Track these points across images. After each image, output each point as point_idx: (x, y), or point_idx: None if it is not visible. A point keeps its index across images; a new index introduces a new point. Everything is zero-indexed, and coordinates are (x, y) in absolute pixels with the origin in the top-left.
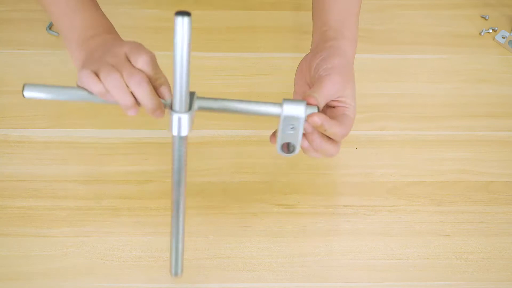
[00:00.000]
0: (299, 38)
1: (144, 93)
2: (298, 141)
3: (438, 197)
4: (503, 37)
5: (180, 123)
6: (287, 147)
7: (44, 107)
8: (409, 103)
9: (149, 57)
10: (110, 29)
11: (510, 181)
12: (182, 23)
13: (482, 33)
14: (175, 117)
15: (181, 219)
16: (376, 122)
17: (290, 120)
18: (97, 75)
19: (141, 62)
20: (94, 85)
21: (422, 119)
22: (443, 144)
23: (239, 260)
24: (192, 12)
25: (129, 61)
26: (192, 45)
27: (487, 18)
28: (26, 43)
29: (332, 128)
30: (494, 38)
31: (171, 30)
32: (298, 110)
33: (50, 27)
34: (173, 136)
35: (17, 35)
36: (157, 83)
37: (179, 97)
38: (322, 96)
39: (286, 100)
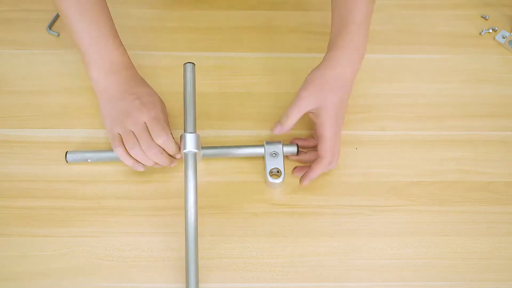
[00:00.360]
0: (299, 38)
1: (160, 160)
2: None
3: (438, 197)
4: (503, 37)
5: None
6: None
7: (44, 107)
8: (409, 103)
9: (166, 137)
10: (128, 65)
11: (510, 181)
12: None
13: (482, 33)
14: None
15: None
16: (376, 122)
17: (272, 153)
18: (123, 141)
19: (161, 141)
20: (126, 161)
21: (422, 119)
22: (443, 144)
23: (239, 260)
24: (192, 12)
25: (148, 130)
26: (193, 45)
27: (487, 18)
28: (26, 43)
29: (315, 174)
30: (494, 38)
31: (171, 30)
32: (277, 148)
33: (50, 26)
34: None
35: (17, 35)
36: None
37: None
38: (293, 114)
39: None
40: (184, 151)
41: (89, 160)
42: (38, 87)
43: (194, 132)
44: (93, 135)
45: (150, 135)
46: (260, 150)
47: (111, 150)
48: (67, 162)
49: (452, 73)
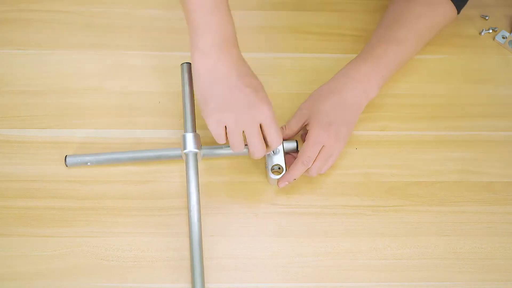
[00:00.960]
0: (299, 38)
1: (257, 154)
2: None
3: (438, 197)
4: (503, 37)
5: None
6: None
7: (44, 107)
8: (409, 103)
9: (280, 139)
10: (236, 43)
11: (510, 181)
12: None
13: (482, 33)
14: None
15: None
16: (376, 122)
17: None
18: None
19: (274, 147)
20: (220, 140)
21: (422, 119)
22: (443, 144)
23: (239, 260)
24: None
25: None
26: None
27: (487, 18)
28: (26, 43)
29: (290, 176)
30: (494, 38)
31: (171, 30)
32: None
33: None
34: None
35: (17, 35)
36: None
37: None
38: (292, 123)
39: None
40: (185, 151)
41: (88, 164)
42: (38, 87)
43: (194, 131)
44: (93, 135)
45: (261, 136)
46: None
47: (110, 152)
48: (66, 166)
49: (452, 73)
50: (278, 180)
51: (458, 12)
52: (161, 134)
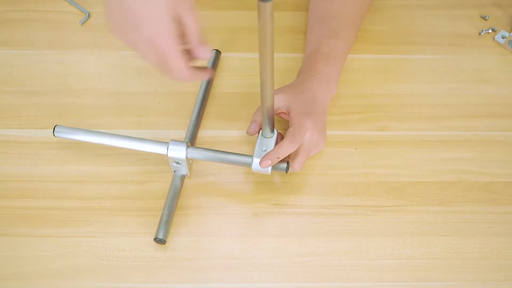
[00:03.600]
0: (299, 38)
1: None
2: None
3: (438, 197)
4: (503, 37)
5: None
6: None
7: (44, 107)
8: (409, 103)
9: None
10: None
11: (510, 181)
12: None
13: (482, 33)
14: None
15: None
16: (376, 122)
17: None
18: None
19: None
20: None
21: (422, 119)
22: (443, 144)
23: (239, 260)
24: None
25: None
26: None
27: (487, 18)
28: (26, 43)
29: (282, 153)
30: (494, 38)
31: None
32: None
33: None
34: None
35: (17, 35)
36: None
37: None
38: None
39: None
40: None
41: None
42: (38, 87)
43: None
44: None
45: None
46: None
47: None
48: (54, 135)
49: (452, 73)
50: (262, 158)
51: None
52: (161, 134)
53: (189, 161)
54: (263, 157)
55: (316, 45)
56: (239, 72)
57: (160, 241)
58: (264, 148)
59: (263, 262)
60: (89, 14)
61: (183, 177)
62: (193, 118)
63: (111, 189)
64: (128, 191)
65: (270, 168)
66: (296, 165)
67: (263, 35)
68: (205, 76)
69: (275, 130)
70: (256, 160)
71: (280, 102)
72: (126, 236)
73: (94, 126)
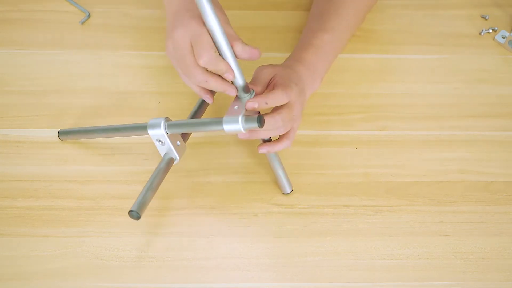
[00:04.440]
0: (299, 38)
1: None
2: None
3: (438, 197)
4: (503, 37)
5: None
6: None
7: (44, 107)
8: (410, 103)
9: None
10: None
11: (510, 181)
12: None
13: (482, 33)
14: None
15: None
16: (376, 122)
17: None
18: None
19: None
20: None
21: (422, 119)
22: (443, 144)
23: (239, 260)
24: None
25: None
26: None
27: (487, 18)
28: (26, 43)
29: (271, 99)
30: (494, 38)
31: None
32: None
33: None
34: None
35: (17, 35)
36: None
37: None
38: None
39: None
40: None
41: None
42: (38, 87)
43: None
44: None
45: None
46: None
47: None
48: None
49: (452, 73)
50: (249, 99)
51: None
52: None
53: (176, 142)
54: (251, 98)
55: (309, 36)
56: None
57: (134, 214)
58: (236, 106)
59: (263, 262)
60: (89, 14)
61: (170, 160)
62: (190, 116)
63: (111, 189)
64: (128, 191)
65: (242, 123)
66: (291, 133)
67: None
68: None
69: (252, 91)
70: (226, 119)
71: (267, 73)
72: (126, 236)
73: (94, 126)
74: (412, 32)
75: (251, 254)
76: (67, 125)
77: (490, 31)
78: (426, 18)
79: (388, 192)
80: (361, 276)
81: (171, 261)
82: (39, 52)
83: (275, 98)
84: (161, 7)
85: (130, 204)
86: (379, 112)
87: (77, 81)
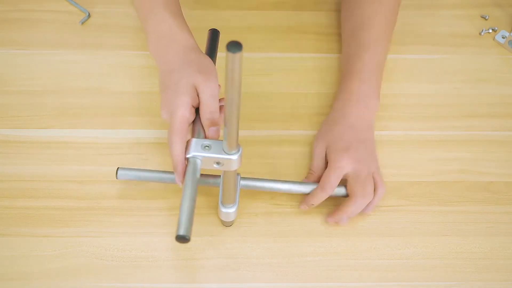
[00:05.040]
0: (299, 38)
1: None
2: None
3: (438, 197)
4: (503, 37)
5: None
6: None
7: (44, 107)
8: (410, 103)
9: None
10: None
11: (510, 181)
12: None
13: (482, 33)
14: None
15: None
16: (376, 122)
17: None
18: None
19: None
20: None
21: (422, 119)
22: (443, 144)
23: (239, 260)
24: (192, 12)
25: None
26: None
27: (487, 18)
28: (26, 43)
29: (315, 201)
30: (494, 38)
31: None
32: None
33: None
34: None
35: (17, 35)
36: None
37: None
38: (315, 166)
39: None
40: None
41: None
42: (38, 87)
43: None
44: (93, 135)
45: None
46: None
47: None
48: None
49: (452, 73)
50: (302, 202)
51: None
52: (161, 134)
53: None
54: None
55: (349, 61)
56: None
57: (183, 238)
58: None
59: (263, 262)
60: (89, 14)
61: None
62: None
63: (111, 189)
64: (128, 191)
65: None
66: (368, 208)
67: (231, 86)
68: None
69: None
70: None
71: (318, 149)
72: (126, 236)
73: (94, 126)
74: (412, 32)
75: (251, 254)
76: (67, 125)
77: (490, 31)
78: (426, 18)
79: (388, 192)
80: (361, 276)
81: (171, 261)
82: (39, 52)
83: (318, 199)
84: None
85: (130, 204)
86: (379, 112)
87: (77, 81)
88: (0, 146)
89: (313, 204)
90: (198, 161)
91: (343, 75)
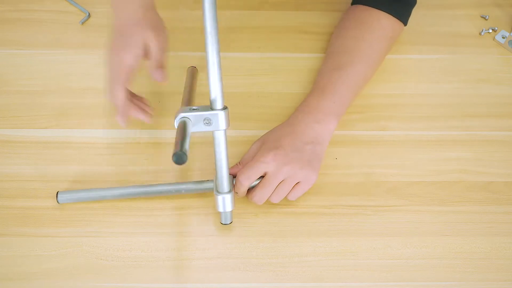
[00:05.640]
0: (299, 38)
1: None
2: None
3: (438, 197)
4: (503, 37)
5: (224, 201)
6: None
7: (44, 107)
8: (409, 103)
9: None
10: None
11: (510, 181)
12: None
13: (482, 33)
14: (219, 197)
15: None
16: (376, 122)
17: None
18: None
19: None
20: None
21: (422, 119)
22: (443, 144)
23: (239, 260)
24: (192, 12)
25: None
26: (193, 45)
27: (487, 18)
28: (26, 43)
29: (238, 191)
30: (494, 38)
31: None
32: None
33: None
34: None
35: (17, 35)
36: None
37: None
38: (245, 159)
39: None
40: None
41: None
42: (38, 87)
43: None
44: (93, 135)
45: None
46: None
47: (102, 188)
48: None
49: (452, 73)
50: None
51: (405, 24)
52: (161, 134)
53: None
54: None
55: (318, 78)
56: (238, 72)
57: (179, 157)
58: None
59: (263, 262)
60: (89, 14)
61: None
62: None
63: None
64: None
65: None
66: (254, 197)
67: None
68: (141, 116)
69: None
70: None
71: (254, 145)
72: (126, 236)
73: (94, 126)
74: (412, 32)
75: (251, 254)
76: (67, 125)
77: (490, 31)
78: (426, 18)
79: (388, 192)
80: (361, 276)
81: (171, 261)
82: (39, 52)
83: (240, 192)
84: (161, 7)
85: (130, 204)
86: (379, 112)
87: (77, 81)
88: (0, 146)
89: (237, 193)
90: (188, 121)
91: (313, 87)
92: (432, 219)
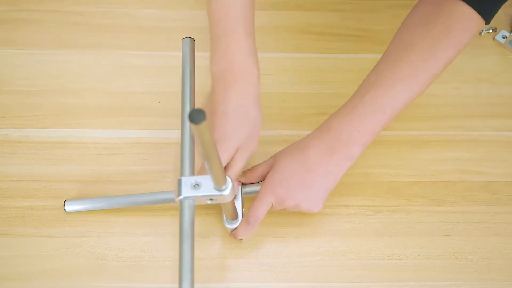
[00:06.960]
0: (299, 38)
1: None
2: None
3: (438, 197)
4: (503, 37)
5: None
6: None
7: (44, 107)
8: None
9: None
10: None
11: (510, 181)
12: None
13: (482, 33)
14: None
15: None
16: None
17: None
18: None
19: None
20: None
21: (422, 119)
22: (443, 144)
23: (239, 260)
24: (193, 12)
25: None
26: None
27: None
28: (26, 43)
29: (240, 234)
30: (494, 38)
31: (171, 30)
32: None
33: None
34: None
35: (17, 35)
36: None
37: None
38: (256, 170)
39: None
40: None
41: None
42: (38, 87)
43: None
44: (93, 135)
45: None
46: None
47: (108, 196)
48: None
49: (452, 73)
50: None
51: (487, 22)
52: (161, 134)
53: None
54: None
55: (352, 96)
56: None
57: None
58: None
59: (263, 262)
60: None
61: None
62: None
63: (111, 189)
64: (128, 191)
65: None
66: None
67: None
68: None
69: (239, 193)
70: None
71: (269, 165)
72: (126, 236)
73: (94, 126)
74: None
75: (251, 254)
76: (67, 125)
77: (490, 31)
78: None
79: (388, 192)
80: (362, 276)
81: (171, 261)
82: (39, 52)
83: (243, 234)
84: (161, 7)
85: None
86: None
87: (77, 81)
88: (0, 146)
89: (241, 239)
90: (192, 202)
91: (350, 99)
92: (432, 219)
